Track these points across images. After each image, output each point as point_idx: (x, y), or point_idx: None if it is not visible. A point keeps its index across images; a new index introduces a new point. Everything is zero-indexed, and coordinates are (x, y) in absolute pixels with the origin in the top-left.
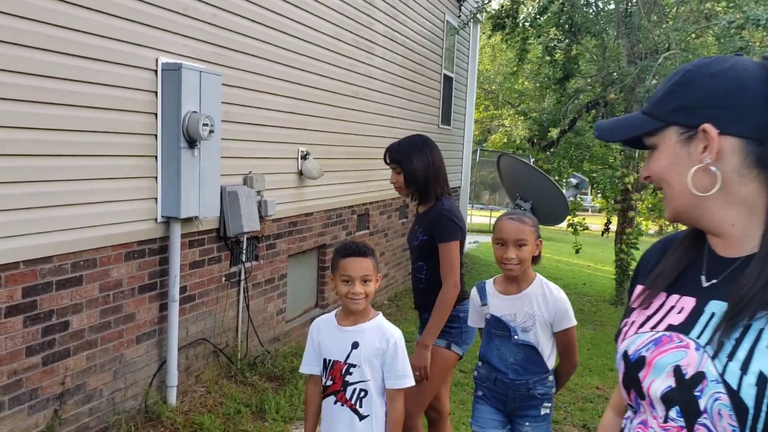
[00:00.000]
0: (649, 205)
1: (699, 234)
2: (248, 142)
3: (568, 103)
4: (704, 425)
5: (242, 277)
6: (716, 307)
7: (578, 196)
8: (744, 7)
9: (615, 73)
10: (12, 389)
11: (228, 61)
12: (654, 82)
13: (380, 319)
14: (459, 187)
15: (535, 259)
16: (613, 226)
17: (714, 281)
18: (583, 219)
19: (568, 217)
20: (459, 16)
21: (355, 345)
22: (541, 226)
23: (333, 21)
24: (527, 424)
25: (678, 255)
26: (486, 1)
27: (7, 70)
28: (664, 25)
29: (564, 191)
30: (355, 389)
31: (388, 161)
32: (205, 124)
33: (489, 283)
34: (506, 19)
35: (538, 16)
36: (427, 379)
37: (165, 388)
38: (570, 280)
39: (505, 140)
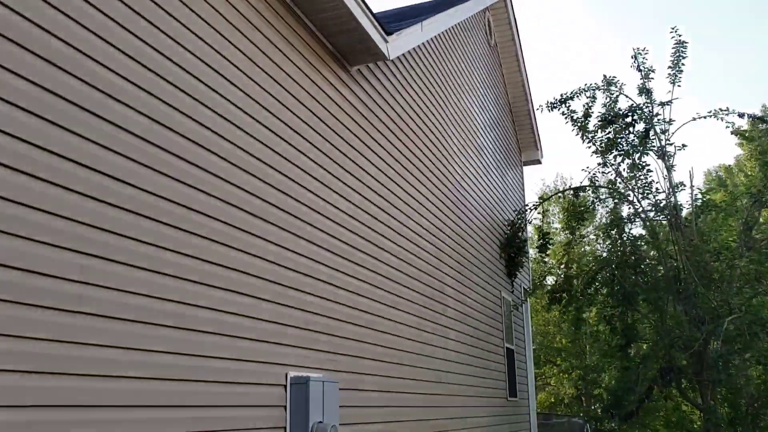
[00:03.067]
0: None
1: None
2: None
3: (638, 371)
4: None
5: None
6: None
7: None
8: None
9: (677, 339)
10: None
11: (336, 365)
12: (724, 347)
13: None
14: None
15: None
16: None
17: None
18: None
19: None
20: (512, 291)
21: None
22: None
23: (413, 312)
24: None
25: None
26: (540, 279)
27: (181, 406)
28: (719, 289)
29: None
30: None
31: None
32: None
33: None
34: (561, 293)
35: (587, 286)
36: None
37: None
38: None
39: (552, 399)
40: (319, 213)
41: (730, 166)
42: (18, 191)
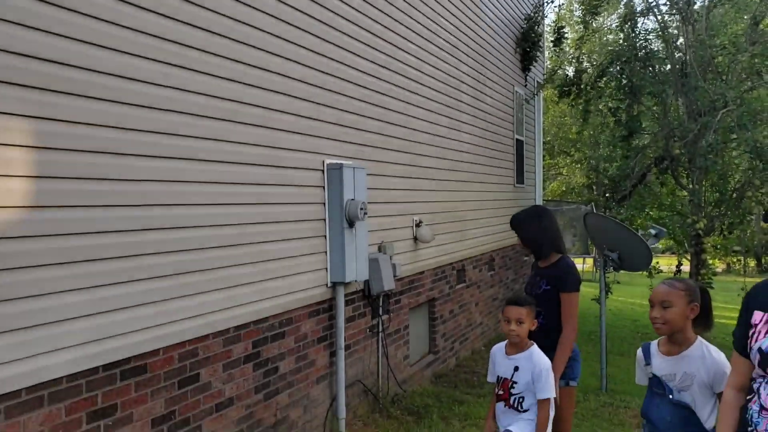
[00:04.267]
0: (716, 245)
1: None
2: (379, 217)
3: (635, 159)
4: None
5: (380, 328)
6: None
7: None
8: None
9: (676, 130)
10: (247, 420)
11: (362, 154)
12: (714, 137)
13: (533, 349)
14: None
15: (701, 322)
16: (684, 267)
17: None
18: (657, 262)
19: None
20: (525, 85)
21: (516, 368)
22: (624, 271)
23: (432, 109)
24: None
25: None
26: (551, 74)
27: (238, 183)
28: (718, 83)
29: (646, 241)
30: (516, 398)
31: (514, 229)
32: (362, 208)
33: (653, 344)
34: (571, 87)
35: (598, 79)
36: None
37: (336, 421)
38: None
39: (564, 188)
40: (347, 20)
41: None
42: None
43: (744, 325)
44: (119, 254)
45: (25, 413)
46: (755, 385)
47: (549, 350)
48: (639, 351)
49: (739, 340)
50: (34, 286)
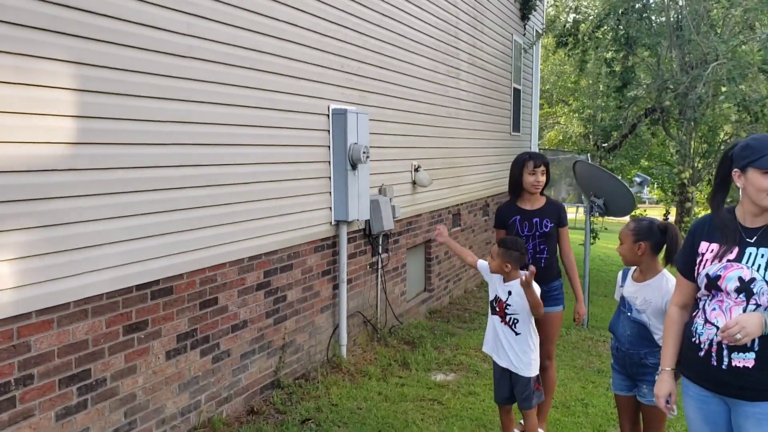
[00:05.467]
0: (706, 195)
1: (733, 215)
2: (380, 161)
3: (628, 110)
4: (755, 301)
5: (379, 265)
6: (752, 250)
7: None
8: None
9: (669, 82)
10: (259, 341)
11: (365, 100)
12: (704, 89)
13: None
14: None
15: (668, 256)
16: (671, 216)
17: (748, 239)
18: (644, 211)
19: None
20: (524, 35)
21: (509, 293)
22: (611, 218)
23: (431, 57)
24: (645, 387)
25: (727, 227)
26: (551, 22)
27: (254, 125)
28: (711, 37)
29: (630, 188)
30: (511, 318)
31: (541, 165)
32: (364, 152)
33: (631, 270)
34: (568, 37)
35: (595, 30)
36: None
37: (338, 346)
38: None
39: (561, 137)
40: None
41: None
42: None
43: (690, 253)
44: (147, 188)
45: (74, 323)
46: (701, 303)
47: (554, 280)
48: (619, 273)
49: (685, 265)
50: (79, 214)
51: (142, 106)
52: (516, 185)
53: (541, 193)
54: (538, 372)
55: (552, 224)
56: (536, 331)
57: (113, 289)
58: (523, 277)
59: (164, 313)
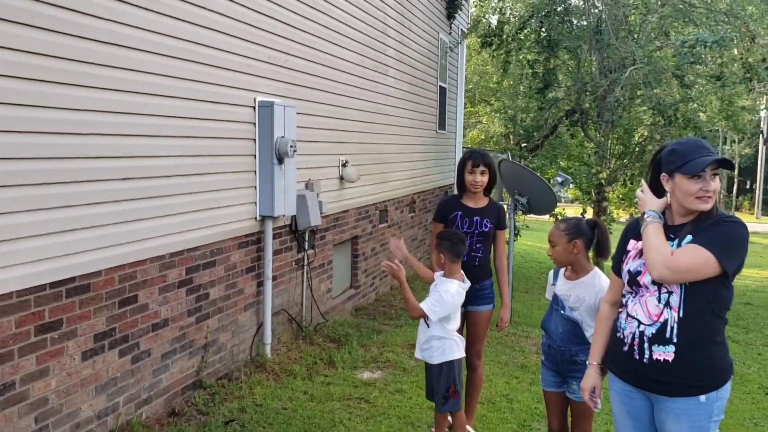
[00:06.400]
0: (620, 195)
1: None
2: (307, 156)
3: (548, 111)
4: (666, 289)
5: (305, 262)
6: (671, 244)
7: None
8: (697, 21)
9: (588, 85)
10: (180, 340)
11: (292, 93)
12: (621, 92)
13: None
14: (453, 184)
15: (598, 251)
16: (587, 215)
17: (671, 236)
18: (563, 209)
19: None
20: (450, 33)
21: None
22: (533, 216)
23: (359, 52)
24: (574, 383)
25: None
26: (475, 23)
27: (177, 116)
28: (629, 42)
29: (552, 188)
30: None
31: (480, 165)
32: (291, 146)
33: (563, 269)
34: (493, 38)
35: (519, 31)
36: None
37: (262, 345)
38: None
39: (483, 136)
40: None
41: None
42: None
43: (621, 251)
44: (63, 180)
45: None
46: (624, 299)
47: (485, 279)
48: (551, 272)
49: (616, 264)
50: None
51: (57, 93)
52: (460, 183)
53: (485, 194)
54: (446, 359)
55: (491, 225)
56: (452, 322)
57: (24, 287)
58: (383, 264)
59: (80, 311)
